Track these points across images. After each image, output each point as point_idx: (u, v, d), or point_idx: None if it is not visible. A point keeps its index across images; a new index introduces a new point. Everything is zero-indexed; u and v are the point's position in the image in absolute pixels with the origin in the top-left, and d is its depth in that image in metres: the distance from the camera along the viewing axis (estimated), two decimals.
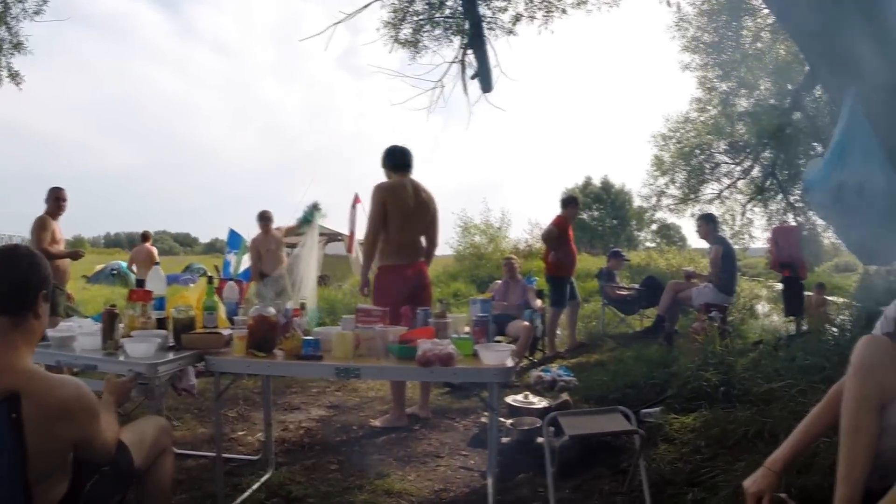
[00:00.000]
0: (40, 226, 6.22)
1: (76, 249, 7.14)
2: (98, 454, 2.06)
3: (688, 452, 3.58)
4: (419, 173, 5.14)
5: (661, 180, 15.89)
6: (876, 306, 5.10)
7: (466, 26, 8.95)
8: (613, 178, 47.80)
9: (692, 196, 15.38)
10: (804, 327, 7.37)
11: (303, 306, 3.69)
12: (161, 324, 3.34)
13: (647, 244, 38.58)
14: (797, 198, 13.75)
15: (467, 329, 3.56)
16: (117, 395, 2.52)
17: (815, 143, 12.07)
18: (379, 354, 3.15)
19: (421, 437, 4.69)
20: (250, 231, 9.24)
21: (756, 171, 14.65)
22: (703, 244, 8.11)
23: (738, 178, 14.98)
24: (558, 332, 8.31)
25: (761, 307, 11.15)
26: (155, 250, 11.99)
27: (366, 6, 8.88)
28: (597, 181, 47.54)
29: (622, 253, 10.82)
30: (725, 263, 7.31)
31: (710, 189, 15.37)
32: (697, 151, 15.09)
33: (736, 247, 11.08)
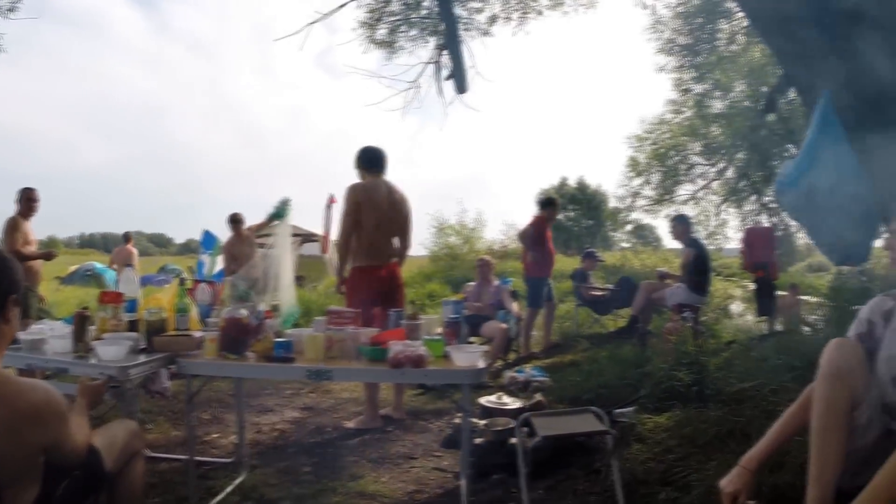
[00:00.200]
0: (11, 227, 6.14)
1: (49, 250, 7.05)
2: (69, 458, 2.04)
3: (660, 452, 3.59)
4: (395, 174, 5.12)
5: (637, 181, 16.04)
6: (847, 306, 5.17)
7: (442, 27, 8.93)
8: (589, 179, 47.97)
9: (667, 197, 15.53)
10: (777, 327, 7.43)
11: (275, 308, 3.67)
12: (133, 326, 3.31)
13: (623, 245, 38.74)
14: (770, 199, 13.88)
15: (440, 330, 3.56)
16: (89, 398, 2.50)
17: (788, 145, 12.20)
18: (350, 356, 3.14)
19: (394, 438, 4.68)
20: (225, 232, 9.19)
21: (730, 173, 14.80)
22: (678, 245, 8.14)
23: (713, 180, 15.15)
24: (533, 332, 8.31)
25: (735, 307, 11.22)
26: (136, 252, 11.90)
27: (341, 6, 8.86)
28: (573, 182, 47.69)
29: (596, 253, 10.84)
30: (698, 265, 7.34)
31: (684, 190, 15.53)
32: (672, 153, 15.23)
33: (710, 247, 11.18)
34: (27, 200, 6.33)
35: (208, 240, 11.00)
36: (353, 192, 4.92)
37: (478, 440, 3.94)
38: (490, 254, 15.59)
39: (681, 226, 7.71)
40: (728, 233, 15.50)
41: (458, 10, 9.26)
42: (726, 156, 14.39)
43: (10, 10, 10.17)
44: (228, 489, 3.62)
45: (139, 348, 3.10)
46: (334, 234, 4.99)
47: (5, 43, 10.47)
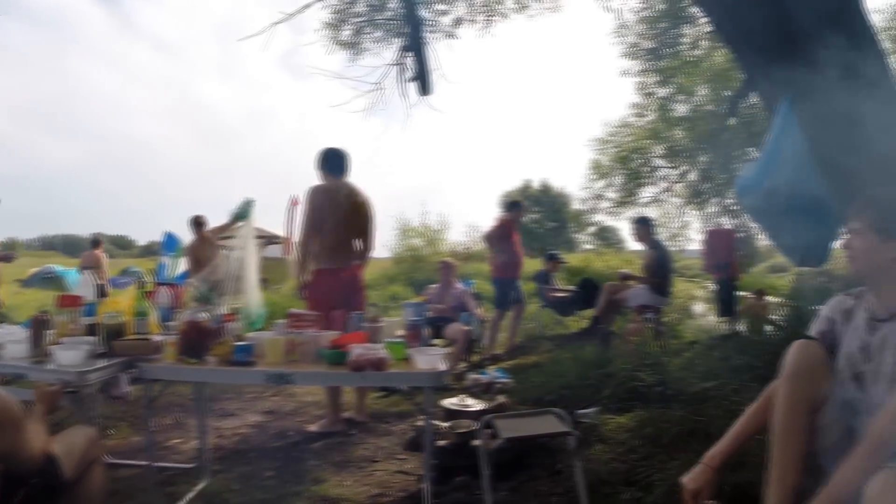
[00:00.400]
0: None
1: (8, 252, 6.93)
2: (26, 466, 2.01)
3: (623, 452, 3.63)
4: (358, 176, 5.08)
5: (600, 183, 16.12)
6: (808, 306, 5.25)
7: (407, 29, 8.89)
8: (553, 181, 48.36)
9: (630, 199, 15.62)
10: (738, 327, 7.52)
11: (237, 311, 3.63)
12: (92, 330, 3.25)
13: (586, 246, 39.03)
14: (732, 201, 14.05)
15: (402, 333, 3.54)
16: (46, 405, 2.47)
17: (749, 149, 12.34)
18: (311, 360, 3.12)
19: (357, 441, 4.66)
20: (188, 234, 9.08)
21: (692, 175, 14.94)
22: (641, 246, 8.20)
23: (675, 182, 15.26)
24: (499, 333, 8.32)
25: (697, 308, 11.34)
26: (104, 257, 11.73)
27: (306, 6, 8.75)
28: (536, 184, 48.01)
29: (559, 255, 10.89)
30: (660, 267, 7.40)
31: (647, 192, 15.63)
32: (635, 155, 15.33)
33: (673, 249, 11.27)
34: None
35: (170, 242, 10.93)
36: (315, 193, 4.88)
37: (441, 442, 3.93)
38: (453, 256, 15.61)
39: (643, 228, 7.77)
40: (690, 234, 15.65)
41: (423, 13, 9.23)
42: (689, 159, 14.53)
43: None
44: (190, 495, 3.58)
45: (98, 353, 3.04)
46: (297, 236, 4.93)
47: None
